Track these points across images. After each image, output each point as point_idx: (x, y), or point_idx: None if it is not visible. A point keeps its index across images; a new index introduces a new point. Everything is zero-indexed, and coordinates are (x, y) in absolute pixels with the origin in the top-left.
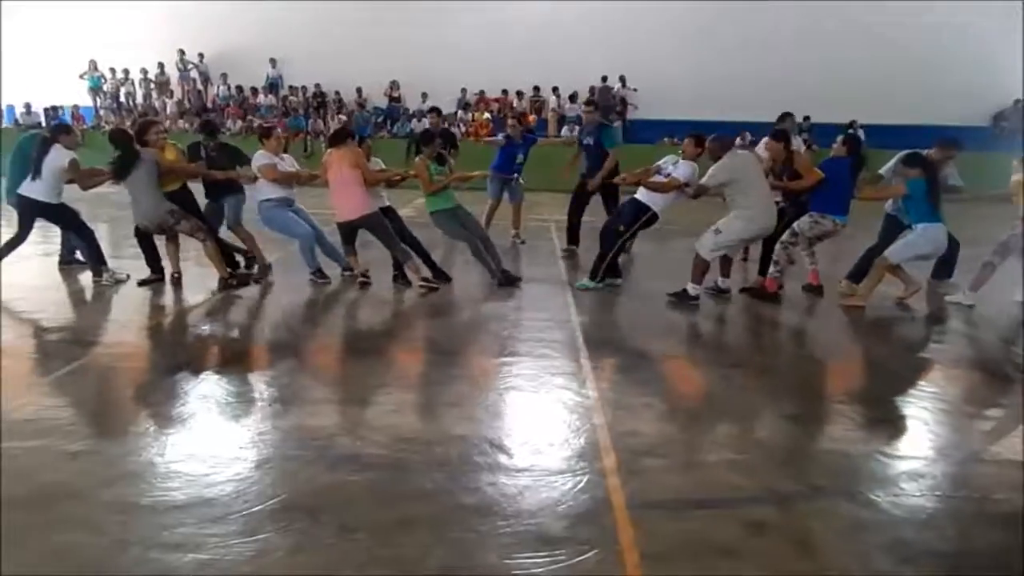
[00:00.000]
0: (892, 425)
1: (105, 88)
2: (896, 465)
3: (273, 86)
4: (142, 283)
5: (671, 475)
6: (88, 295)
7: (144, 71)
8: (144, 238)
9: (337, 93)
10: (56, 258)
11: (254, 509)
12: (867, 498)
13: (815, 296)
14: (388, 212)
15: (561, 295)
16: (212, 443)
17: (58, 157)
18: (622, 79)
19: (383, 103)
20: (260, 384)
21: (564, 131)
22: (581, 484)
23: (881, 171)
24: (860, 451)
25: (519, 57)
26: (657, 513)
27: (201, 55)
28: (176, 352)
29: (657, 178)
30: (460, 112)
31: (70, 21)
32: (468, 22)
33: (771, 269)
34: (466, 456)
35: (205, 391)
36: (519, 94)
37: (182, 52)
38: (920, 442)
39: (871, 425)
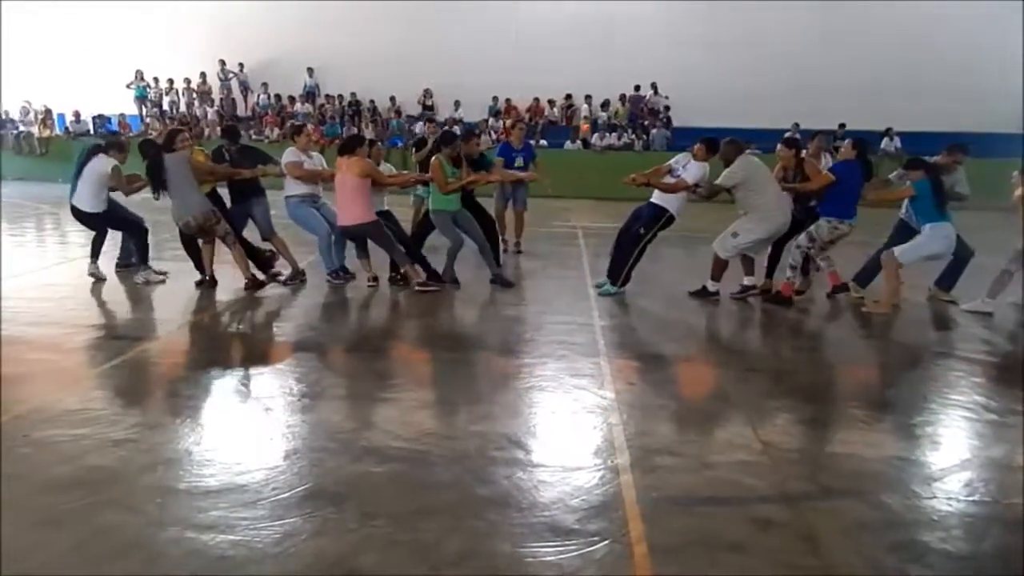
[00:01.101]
0: (906, 430)
1: (150, 97)
2: (908, 469)
3: (310, 95)
4: (199, 284)
5: (682, 473)
6: (133, 294)
7: (188, 80)
8: (189, 244)
9: (372, 102)
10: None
11: (282, 496)
12: (877, 500)
13: (841, 295)
14: (387, 216)
15: (585, 299)
16: (243, 434)
17: (100, 165)
18: (653, 86)
19: (416, 111)
20: (289, 380)
21: (604, 139)
22: (594, 480)
23: (891, 176)
24: (873, 455)
25: (551, 64)
26: (667, 508)
27: (241, 65)
28: (211, 349)
29: (668, 179)
30: (491, 120)
31: (118, 32)
32: (500, 31)
33: (787, 273)
34: (484, 451)
35: (237, 386)
36: (551, 102)
37: (223, 62)
38: (935, 447)
39: (885, 430)
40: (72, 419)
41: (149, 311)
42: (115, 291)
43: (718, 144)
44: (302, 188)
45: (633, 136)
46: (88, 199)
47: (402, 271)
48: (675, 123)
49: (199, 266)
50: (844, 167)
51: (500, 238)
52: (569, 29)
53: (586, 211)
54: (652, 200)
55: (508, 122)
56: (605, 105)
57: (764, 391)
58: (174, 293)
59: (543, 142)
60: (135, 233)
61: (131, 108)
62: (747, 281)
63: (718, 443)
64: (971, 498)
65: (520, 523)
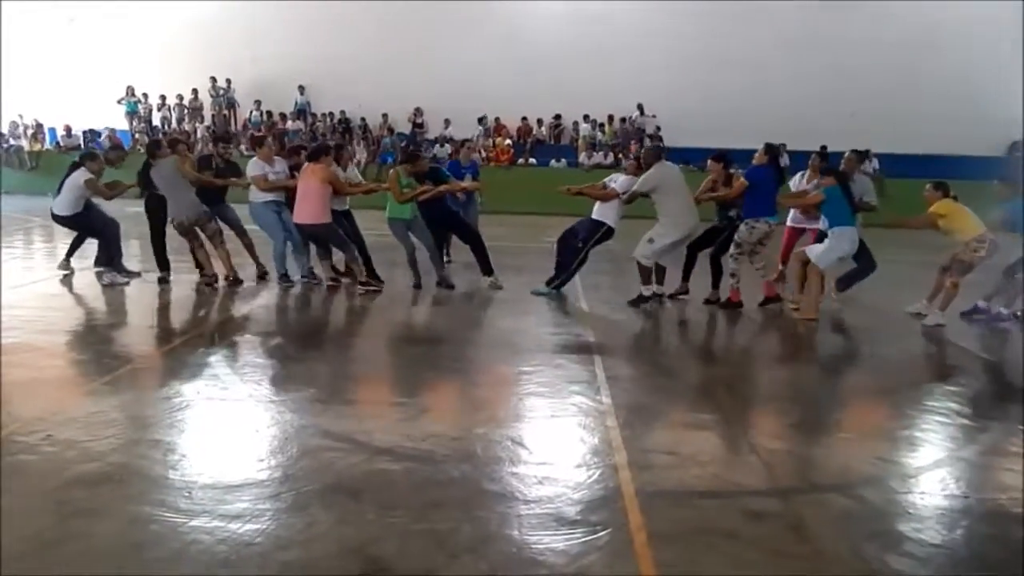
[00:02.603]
0: (886, 433)
1: (141, 112)
2: (888, 468)
3: (301, 112)
4: (206, 284)
5: (676, 470)
6: (138, 300)
7: (180, 96)
8: (191, 245)
9: (363, 119)
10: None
11: (302, 489)
12: (859, 494)
13: (772, 305)
14: (347, 215)
15: (577, 310)
16: (259, 433)
17: (77, 176)
18: (639, 108)
19: (407, 129)
20: (300, 383)
21: (592, 157)
22: (594, 476)
23: (807, 186)
24: (855, 455)
25: (541, 83)
26: (664, 501)
27: (228, 81)
28: (222, 353)
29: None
30: (480, 138)
31: (110, 48)
32: (491, 50)
33: (731, 281)
34: (489, 450)
35: (251, 389)
36: (539, 122)
37: (214, 79)
38: (912, 448)
39: (867, 432)
40: (92, 421)
41: (161, 316)
42: (120, 297)
43: (649, 161)
44: (267, 196)
45: (621, 155)
46: (65, 205)
47: (347, 267)
48: (666, 142)
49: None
50: (756, 171)
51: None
52: (561, 49)
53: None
54: (592, 215)
55: (466, 142)
56: (594, 125)
57: (752, 395)
58: (181, 298)
59: (532, 160)
60: (106, 236)
61: (122, 123)
62: (645, 291)
63: (710, 443)
64: (943, 492)
65: (527, 514)
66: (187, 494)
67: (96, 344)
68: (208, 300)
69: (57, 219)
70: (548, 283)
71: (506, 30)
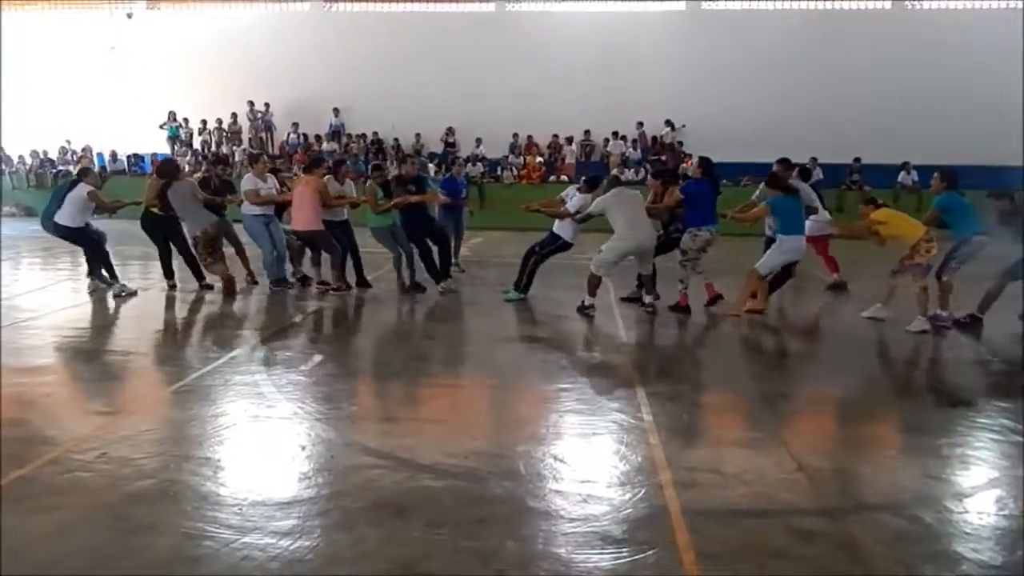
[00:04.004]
0: (935, 450)
1: (182, 137)
2: (940, 486)
3: (336, 133)
4: (204, 288)
5: (723, 489)
6: (183, 317)
7: (219, 121)
8: (194, 252)
9: (396, 140)
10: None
11: (350, 506)
12: (912, 514)
13: (715, 305)
14: (343, 224)
15: (613, 326)
16: (308, 450)
17: (78, 191)
18: (668, 123)
19: (439, 148)
20: (342, 402)
21: (623, 174)
22: (640, 494)
23: (754, 196)
24: (904, 473)
25: (571, 101)
26: (711, 520)
27: (267, 105)
28: (272, 371)
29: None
30: (511, 156)
31: (151, 75)
32: (521, 69)
33: (679, 287)
34: (531, 467)
35: (297, 407)
36: (569, 139)
37: (252, 103)
38: (964, 467)
39: (916, 449)
40: (144, 439)
41: (199, 335)
42: (159, 315)
43: (596, 181)
44: (258, 209)
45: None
46: (69, 217)
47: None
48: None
49: (197, 275)
50: (692, 185)
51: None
52: (591, 66)
53: (599, 243)
54: (553, 229)
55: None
56: (625, 141)
57: (794, 411)
58: (215, 315)
59: (563, 177)
60: (96, 250)
61: (164, 147)
62: (587, 300)
63: (754, 461)
64: (1001, 512)
65: (572, 532)
66: (238, 511)
67: (143, 363)
68: (241, 317)
69: (59, 229)
70: (514, 289)
71: (537, 48)
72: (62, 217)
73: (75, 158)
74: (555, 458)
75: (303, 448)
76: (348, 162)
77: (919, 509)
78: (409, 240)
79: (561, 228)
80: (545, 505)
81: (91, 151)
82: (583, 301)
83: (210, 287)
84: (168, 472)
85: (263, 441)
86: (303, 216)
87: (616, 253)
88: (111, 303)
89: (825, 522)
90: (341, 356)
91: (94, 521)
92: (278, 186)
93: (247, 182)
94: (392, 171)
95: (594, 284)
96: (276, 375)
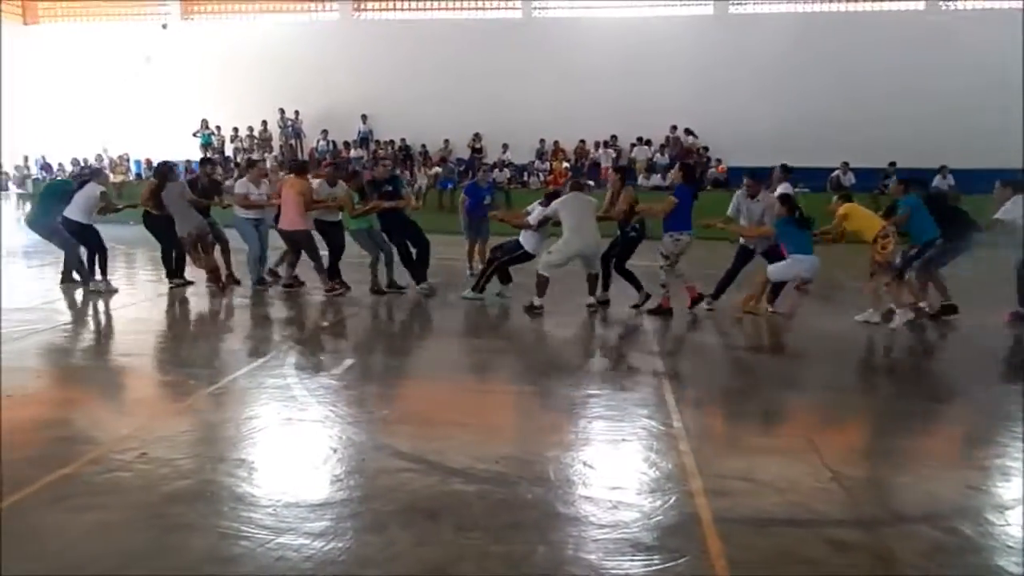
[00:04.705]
0: (977, 460)
1: (214, 144)
2: (979, 498)
3: (364, 140)
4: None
5: (756, 498)
6: (220, 321)
7: (251, 128)
8: (180, 256)
9: (423, 146)
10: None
11: (381, 509)
12: (951, 526)
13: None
14: (336, 225)
15: (643, 331)
16: (340, 453)
17: (90, 190)
18: (688, 131)
19: (466, 154)
20: (369, 405)
21: (650, 179)
22: (670, 502)
23: (729, 211)
24: (946, 483)
25: (598, 107)
26: (743, 528)
27: (296, 112)
28: (304, 374)
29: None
30: (537, 162)
31: (185, 84)
32: (548, 74)
33: (660, 290)
34: (561, 473)
35: (329, 410)
36: (597, 145)
37: (282, 111)
38: (1005, 478)
39: (955, 460)
40: (181, 440)
41: (242, 337)
42: (189, 317)
43: (555, 194)
44: (248, 212)
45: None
46: (81, 214)
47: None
48: (730, 163)
49: (180, 271)
50: (679, 191)
51: (468, 265)
52: (617, 71)
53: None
54: (519, 238)
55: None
56: (651, 146)
57: (829, 419)
58: (245, 319)
59: (590, 183)
60: (102, 248)
61: (197, 155)
62: (536, 301)
63: (787, 469)
64: None
65: (603, 539)
66: (273, 512)
67: (179, 366)
68: (271, 320)
69: (70, 224)
70: (473, 288)
71: (563, 54)
72: (73, 213)
73: (112, 165)
74: (584, 464)
75: (335, 451)
76: (340, 166)
77: (958, 521)
78: (391, 241)
79: (525, 239)
80: (575, 511)
81: (128, 159)
82: (531, 301)
83: (182, 285)
84: (204, 473)
85: (296, 443)
86: (288, 217)
87: (562, 255)
88: (147, 307)
89: (860, 533)
90: (371, 360)
91: (134, 520)
92: (267, 192)
93: (240, 187)
94: (422, 179)
95: (542, 285)
96: (307, 378)
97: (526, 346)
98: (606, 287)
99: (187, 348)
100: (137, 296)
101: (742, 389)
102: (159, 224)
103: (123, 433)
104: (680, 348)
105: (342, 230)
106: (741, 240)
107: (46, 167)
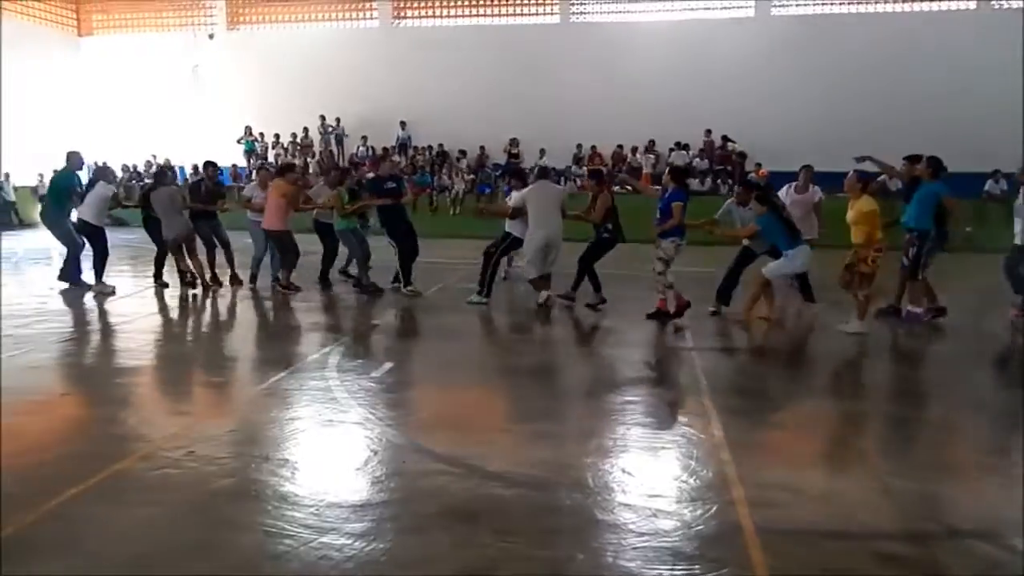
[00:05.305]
0: None
1: (257, 150)
2: None
3: (403, 146)
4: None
5: (800, 509)
6: (264, 323)
7: (293, 135)
8: (176, 258)
9: (461, 151)
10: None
11: (421, 512)
12: (1008, 543)
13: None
14: (328, 227)
15: (679, 338)
16: (380, 455)
17: (101, 190)
18: (724, 138)
19: (503, 160)
20: (408, 408)
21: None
22: (711, 511)
23: (717, 216)
24: (1002, 498)
25: (637, 113)
26: (787, 540)
27: (338, 119)
28: (345, 377)
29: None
30: (574, 167)
31: (230, 92)
32: (585, 80)
33: (661, 295)
34: (599, 479)
35: (369, 413)
36: (634, 150)
37: (323, 118)
38: None
39: (1013, 473)
40: (227, 439)
41: (275, 340)
42: (231, 320)
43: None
44: (257, 215)
45: (718, 181)
46: (94, 215)
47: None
48: (772, 167)
49: (158, 271)
50: (680, 194)
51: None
52: (656, 75)
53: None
54: (505, 227)
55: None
56: (687, 150)
57: (875, 428)
58: (287, 321)
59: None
60: (105, 250)
61: (241, 161)
62: (539, 298)
63: (832, 480)
64: None
65: (643, 547)
66: (315, 512)
67: (224, 367)
68: (310, 324)
69: (85, 226)
70: (479, 293)
71: (601, 58)
72: (86, 214)
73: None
74: (623, 471)
75: (375, 453)
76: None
77: (1015, 537)
78: (395, 240)
79: (511, 226)
80: (614, 518)
81: (174, 165)
82: (538, 299)
83: (166, 285)
84: (249, 471)
85: (337, 445)
86: (271, 217)
87: (532, 249)
88: (189, 308)
89: (910, 547)
90: (409, 363)
91: (183, 516)
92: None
93: (248, 191)
94: (459, 183)
95: (539, 285)
96: (348, 381)
97: (562, 351)
98: (595, 287)
99: (226, 349)
100: (172, 298)
101: (782, 396)
102: (154, 227)
103: (171, 431)
104: (717, 354)
105: (352, 235)
106: (744, 242)
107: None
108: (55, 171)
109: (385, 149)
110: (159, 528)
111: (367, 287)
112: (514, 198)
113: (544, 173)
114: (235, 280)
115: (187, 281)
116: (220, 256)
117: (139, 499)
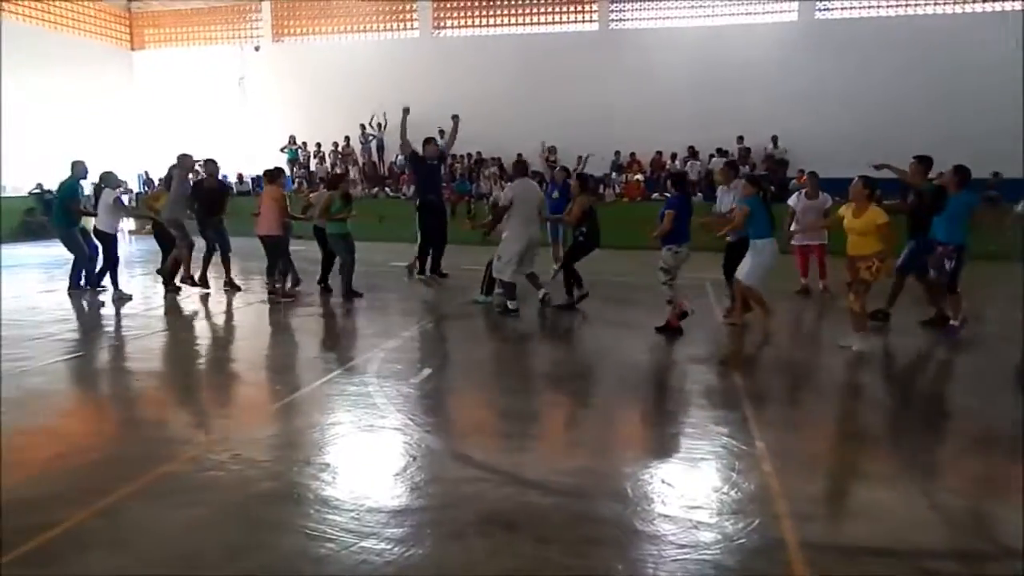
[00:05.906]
0: None
1: (300, 159)
2: None
3: (441, 155)
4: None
5: (845, 524)
6: (303, 330)
7: (335, 144)
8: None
9: (497, 159)
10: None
11: (460, 518)
12: None
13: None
14: (323, 231)
15: (717, 348)
16: (419, 460)
17: (105, 196)
18: (774, 140)
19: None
20: (449, 414)
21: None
22: (753, 524)
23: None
24: None
25: (676, 120)
26: (832, 556)
27: (379, 126)
28: (384, 383)
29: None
30: (613, 174)
31: (275, 102)
32: (624, 87)
33: (668, 307)
34: (639, 490)
35: (408, 419)
36: (673, 156)
37: (363, 127)
38: None
39: None
40: (270, 443)
41: (315, 346)
42: (273, 326)
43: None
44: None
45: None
46: (108, 224)
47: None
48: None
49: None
50: (675, 201)
51: (555, 264)
52: (696, 82)
53: (703, 260)
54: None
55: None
56: (726, 156)
57: (923, 442)
58: (327, 327)
59: (666, 194)
60: (112, 261)
61: (285, 169)
62: (511, 304)
63: (879, 495)
64: None
65: (683, 559)
66: (356, 516)
67: (265, 372)
68: (348, 330)
69: (104, 237)
70: (482, 292)
71: (641, 66)
72: (102, 224)
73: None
74: (663, 481)
75: (414, 458)
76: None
77: None
78: (423, 231)
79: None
80: (653, 529)
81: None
82: (506, 305)
83: (178, 290)
84: (291, 475)
85: (377, 450)
86: (264, 222)
87: (511, 252)
88: (233, 315)
89: (961, 566)
90: (447, 370)
91: (229, 517)
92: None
93: (314, 199)
94: (497, 190)
95: (511, 288)
96: (387, 386)
97: (600, 359)
98: (580, 286)
99: (277, 356)
100: (217, 304)
101: (825, 407)
102: (164, 234)
103: (217, 435)
104: (756, 364)
105: (341, 240)
106: (728, 238)
107: (148, 182)
108: (60, 182)
109: (428, 139)
110: (204, 529)
111: (354, 293)
112: (503, 194)
113: (524, 171)
114: (231, 285)
115: (193, 284)
116: (217, 256)
117: (185, 500)
